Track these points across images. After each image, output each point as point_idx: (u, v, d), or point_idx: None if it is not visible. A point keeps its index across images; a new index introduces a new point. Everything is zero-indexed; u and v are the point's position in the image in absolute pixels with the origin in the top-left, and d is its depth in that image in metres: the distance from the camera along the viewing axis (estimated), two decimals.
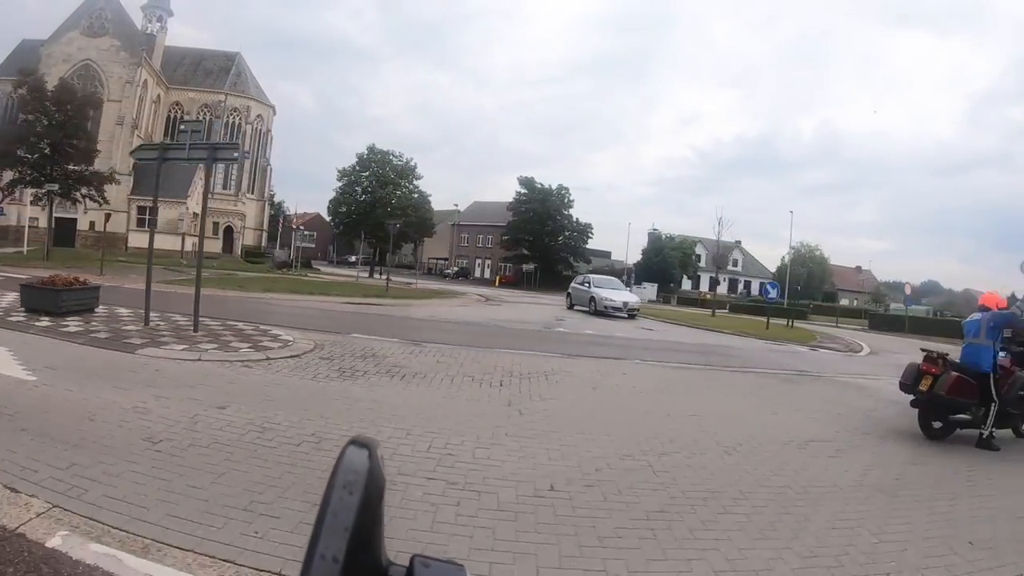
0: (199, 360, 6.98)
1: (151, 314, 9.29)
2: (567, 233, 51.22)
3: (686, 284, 64.97)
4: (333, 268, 49.25)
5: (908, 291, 32.67)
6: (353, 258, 72.77)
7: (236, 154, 10.44)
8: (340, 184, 40.01)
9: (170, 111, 50.43)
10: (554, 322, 16.64)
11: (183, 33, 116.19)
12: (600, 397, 6.74)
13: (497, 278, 49.70)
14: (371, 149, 39.62)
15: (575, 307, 21.69)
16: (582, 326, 15.94)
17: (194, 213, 46.23)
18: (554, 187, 51.04)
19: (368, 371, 7.12)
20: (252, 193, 51.05)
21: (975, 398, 5.69)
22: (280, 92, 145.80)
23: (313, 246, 78.70)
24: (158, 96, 49.13)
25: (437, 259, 65.31)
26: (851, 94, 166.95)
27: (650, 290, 46.45)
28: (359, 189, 39.17)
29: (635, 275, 49.06)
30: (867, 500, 3.97)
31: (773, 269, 79.64)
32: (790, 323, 22.34)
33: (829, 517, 3.59)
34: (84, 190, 29.08)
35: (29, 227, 33.20)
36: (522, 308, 21.73)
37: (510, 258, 52.75)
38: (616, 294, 20.04)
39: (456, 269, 58.37)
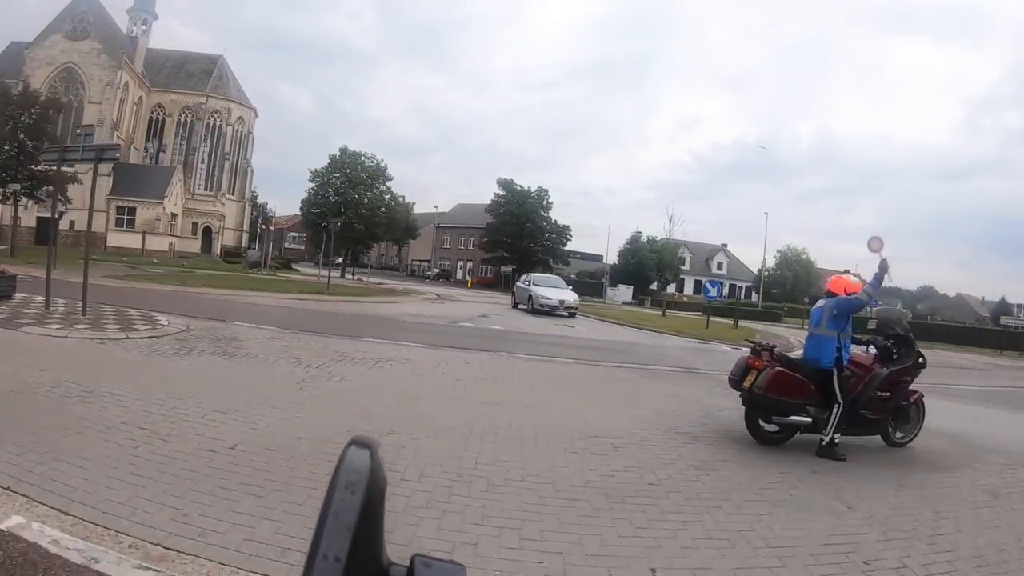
0: (66, 337, 7.60)
1: (66, 301, 10.31)
2: (546, 235, 51.36)
3: (672, 287, 65.19)
4: (316, 269, 49.42)
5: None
6: (340, 259, 73.38)
7: (117, 154, 10.84)
8: (313, 185, 40.37)
9: (153, 113, 51.06)
10: (478, 318, 16.80)
11: (183, 35, 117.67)
12: (403, 382, 6.78)
13: (469, 280, 49.88)
14: (343, 151, 40.04)
15: (518, 306, 21.86)
16: (501, 322, 16.08)
17: (172, 213, 46.74)
18: (533, 189, 51.28)
19: (207, 351, 7.53)
20: (232, 194, 51.52)
21: (806, 397, 4.97)
22: (280, 94, 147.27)
23: (302, 247, 79.48)
24: (140, 98, 49.74)
25: (421, 261, 65.61)
26: (849, 99, 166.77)
27: (625, 292, 46.50)
28: (331, 190, 39.53)
29: (611, 277, 49.17)
30: (577, 501, 3.53)
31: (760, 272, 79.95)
32: (735, 323, 22.42)
33: (507, 508, 3.32)
34: (47, 190, 29.49)
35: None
36: (464, 306, 21.92)
37: (489, 260, 52.97)
38: (553, 292, 20.18)
39: (437, 271, 58.64)
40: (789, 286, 72.38)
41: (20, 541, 2.49)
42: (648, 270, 49.19)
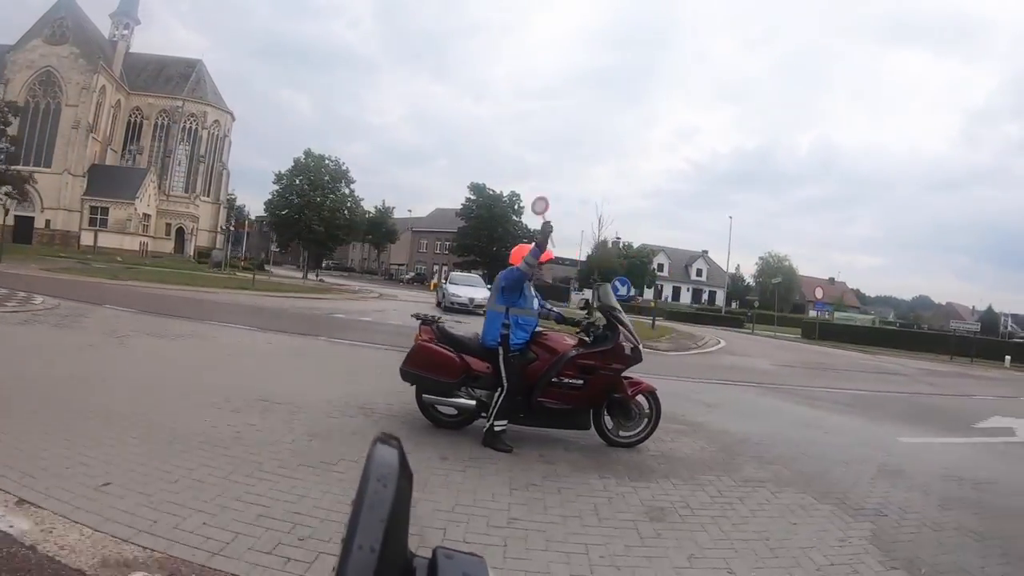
0: None
1: None
2: (517, 240, 51.75)
3: (650, 292, 65.46)
4: (292, 272, 49.99)
5: (819, 294, 32.78)
6: (326, 263, 74.02)
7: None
8: (277, 187, 41.05)
9: (131, 116, 52.03)
10: (372, 312, 17.21)
11: (185, 39, 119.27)
12: (176, 352, 7.13)
13: (431, 283, 50.26)
14: (307, 153, 40.78)
15: (441, 303, 22.22)
16: (398, 317, 16.34)
17: (144, 214, 47.51)
18: (505, 193, 51.78)
19: (47, 322, 8.37)
20: (208, 196, 52.31)
21: (454, 377, 4.48)
22: (280, 98, 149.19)
23: (282, 249, 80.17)
24: (118, 101, 50.72)
25: (399, 265, 66.20)
26: (848, 110, 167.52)
27: (586, 295, 46.76)
28: (294, 193, 40.17)
29: (578, 282, 49.47)
30: (179, 444, 3.72)
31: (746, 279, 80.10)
32: (653, 323, 22.77)
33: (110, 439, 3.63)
34: (5, 189, 30.31)
35: None
36: (390, 303, 22.46)
37: (461, 264, 53.40)
38: (464, 290, 20.52)
39: (412, 274, 59.16)
40: (770, 293, 72.24)
41: None
42: (613, 275, 49.41)
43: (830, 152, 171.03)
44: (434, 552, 0.46)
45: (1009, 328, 67.41)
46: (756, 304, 54.76)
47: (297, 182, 39.89)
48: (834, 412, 7.88)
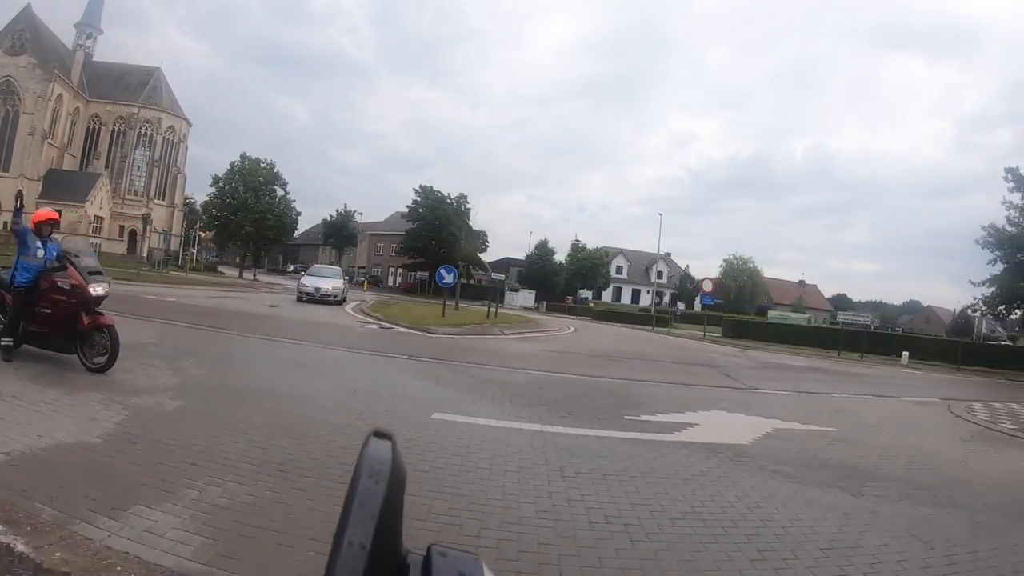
0: None
1: None
2: (463, 242, 52.62)
3: (607, 294, 66.19)
4: (247, 273, 51.25)
5: (707, 287, 33.22)
6: (292, 267, 75.51)
7: None
8: (213, 189, 42.53)
9: (90, 123, 53.91)
10: (206, 299, 18.30)
11: (182, 45, 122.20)
12: None
13: (364, 282, 51.35)
14: (243, 157, 42.28)
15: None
16: (197, 300, 17.32)
17: (97, 216, 49.18)
18: (453, 195, 52.67)
19: None
20: (162, 199, 53.96)
21: None
22: (279, 106, 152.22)
23: (218, 251, 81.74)
24: (76, 109, 52.63)
25: (360, 268, 67.47)
26: (843, 118, 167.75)
27: (526, 296, 47.66)
28: (229, 196, 41.58)
29: (520, 283, 50.39)
30: None
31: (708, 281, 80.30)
32: (488, 312, 21.59)
33: None
34: None
35: None
36: (263, 295, 23.63)
37: (410, 266, 54.49)
38: (312, 281, 21.54)
39: (368, 277, 60.35)
40: (733, 296, 72.08)
41: None
42: (553, 275, 50.28)
43: (826, 158, 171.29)
44: (429, 549, 0.46)
45: (987, 330, 67.33)
46: (703, 306, 55.16)
47: (232, 185, 41.32)
48: (437, 386, 7.35)
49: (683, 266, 78.10)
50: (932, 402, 11.06)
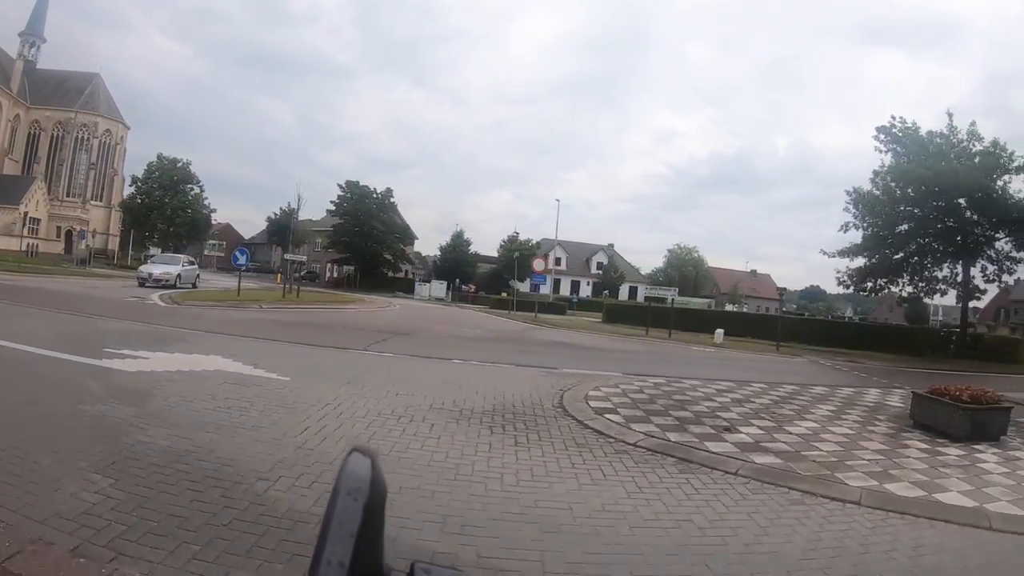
0: None
1: None
2: (389, 237, 54.57)
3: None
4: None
5: (537, 267, 34.24)
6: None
7: None
8: (131, 189, 44.76)
9: (31, 128, 56.40)
10: (90, 290, 20.29)
11: (161, 46, 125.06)
12: None
13: (277, 275, 53.39)
14: (160, 157, 44.60)
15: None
16: (69, 288, 19.40)
17: (32, 218, 51.64)
18: (379, 190, 54.57)
19: None
20: (100, 201, 56.40)
21: None
22: (261, 108, 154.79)
23: (222, 255, 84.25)
24: (16, 115, 55.10)
25: (302, 263, 69.71)
26: (825, 112, 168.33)
27: (438, 287, 49.48)
28: (145, 194, 43.82)
29: (432, 274, 52.33)
30: None
31: (650, 272, 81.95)
32: (285, 291, 24.07)
33: None
34: None
35: None
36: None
37: (338, 261, 56.55)
38: (149, 267, 23.71)
39: (305, 272, 62.55)
40: (678, 286, 73.71)
41: None
42: (465, 267, 52.17)
43: (808, 155, 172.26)
44: (412, 566, 0.46)
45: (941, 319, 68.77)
46: (606, 293, 57.10)
47: (149, 185, 43.58)
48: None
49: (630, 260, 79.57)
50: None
